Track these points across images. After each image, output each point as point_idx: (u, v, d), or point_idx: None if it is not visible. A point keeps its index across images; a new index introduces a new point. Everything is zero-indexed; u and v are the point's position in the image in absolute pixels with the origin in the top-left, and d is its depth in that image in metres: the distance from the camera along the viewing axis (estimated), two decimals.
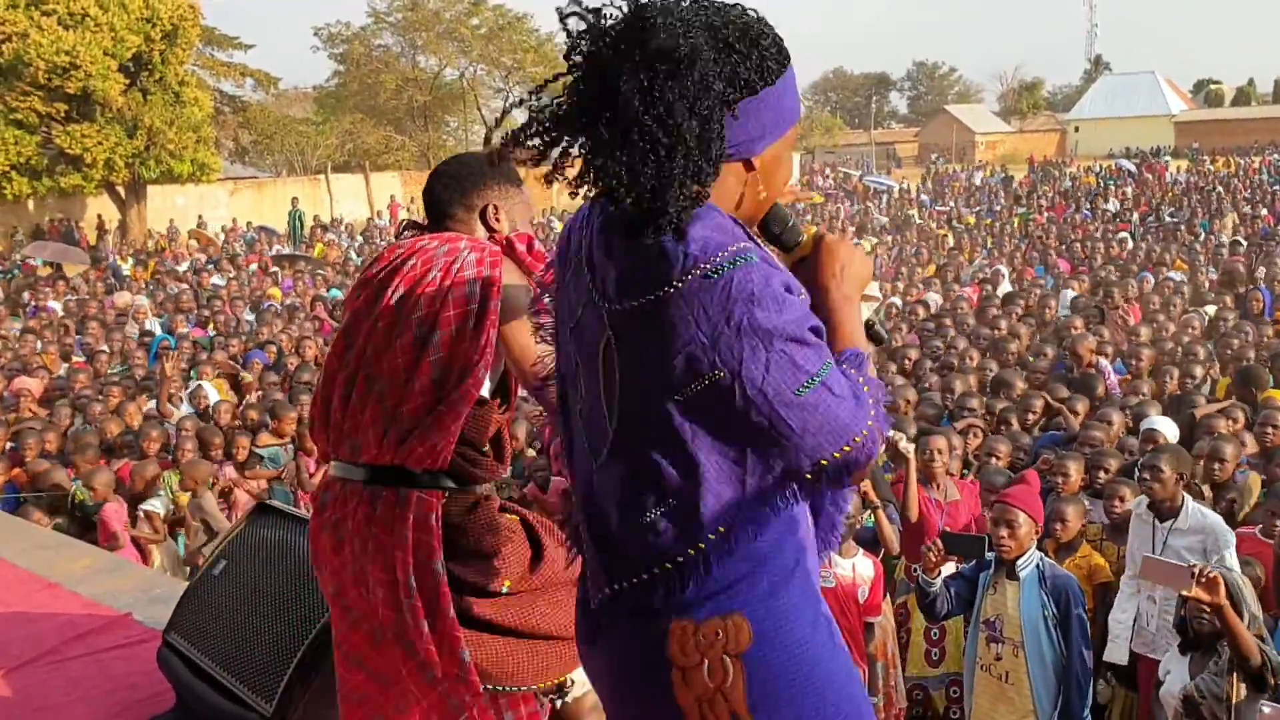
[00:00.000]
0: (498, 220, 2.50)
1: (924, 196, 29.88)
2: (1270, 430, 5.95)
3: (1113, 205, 24.68)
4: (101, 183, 25.22)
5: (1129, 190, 28.21)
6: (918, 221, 22.60)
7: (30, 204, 26.18)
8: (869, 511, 5.67)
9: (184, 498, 6.78)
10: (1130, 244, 16.80)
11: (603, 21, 1.48)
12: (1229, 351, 8.04)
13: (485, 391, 2.36)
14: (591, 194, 1.58)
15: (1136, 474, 5.70)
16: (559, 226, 26.45)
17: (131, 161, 24.71)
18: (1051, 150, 57.39)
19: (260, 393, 8.97)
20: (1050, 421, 6.92)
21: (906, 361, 8.59)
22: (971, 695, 4.62)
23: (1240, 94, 70.66)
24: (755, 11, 1.58)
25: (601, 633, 1.66)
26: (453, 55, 44.53)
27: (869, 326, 1.83)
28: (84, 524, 6.51)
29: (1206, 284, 12.07)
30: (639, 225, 1.51)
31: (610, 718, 1.72)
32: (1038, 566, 4.49)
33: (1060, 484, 5.53)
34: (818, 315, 1.57)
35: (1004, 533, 4.49)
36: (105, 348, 11.11)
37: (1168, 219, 21.06)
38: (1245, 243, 16.20)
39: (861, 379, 1.54)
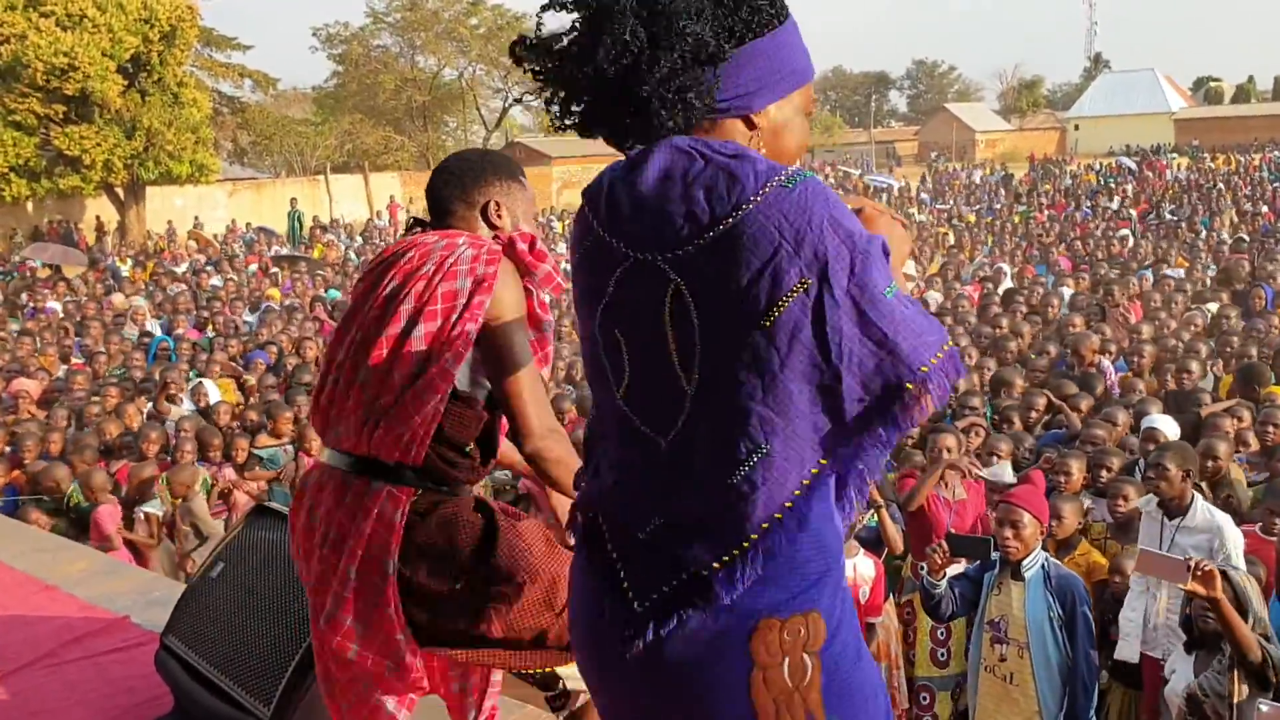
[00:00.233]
0: (499, 217, 2.48)
1: (924, 195, 29.85)
2: (1271, 429, 5.92)
3: (1115, 203, 24.67)
4: (100, 184, 25.23)
5: (1129, 188, 28.21)
6: (919, 220, 22.57)
7: (29, 205, 26.19)
8: (872, 511, 5.64)
9: (178, 502, 6.75)
10: (1131, 241, 16.78)
11: None
12: (1229, 349, 8.01)
13: (469, 390, 2.34)
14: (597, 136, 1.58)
15: (1139, 472, 5.73)
16: (559, 227, 26.47)
17: (130, 163, 24.72)
18: (1052, 148, 57.39)
19: (258, 394, 8.96)
20: (1053, 420, 6.89)
21: None
22: (975, 696, 4.60)
23: (1240, 91, 70.64)
24: None
25: (653, 642, 1.52)
26: (451, 55, 44.58)
27: None
28: (81, 526, 6.50)
29: (1206, 281, 12.04)
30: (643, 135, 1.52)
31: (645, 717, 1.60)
32: (1043, 567, 4.47)
33: (1062, 482, 5.51)
34: None
35: (1009, 533, 4.46)
36: (104, 349, 11.09)
37: (1168, 216, 21.04)
38: (1247, 239, 16.18)
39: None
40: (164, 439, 7.46)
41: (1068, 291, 11.74)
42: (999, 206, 25.57)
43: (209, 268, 19.16)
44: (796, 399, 1.44)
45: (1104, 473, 5.59)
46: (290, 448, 7.59)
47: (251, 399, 8.92)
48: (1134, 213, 22.68)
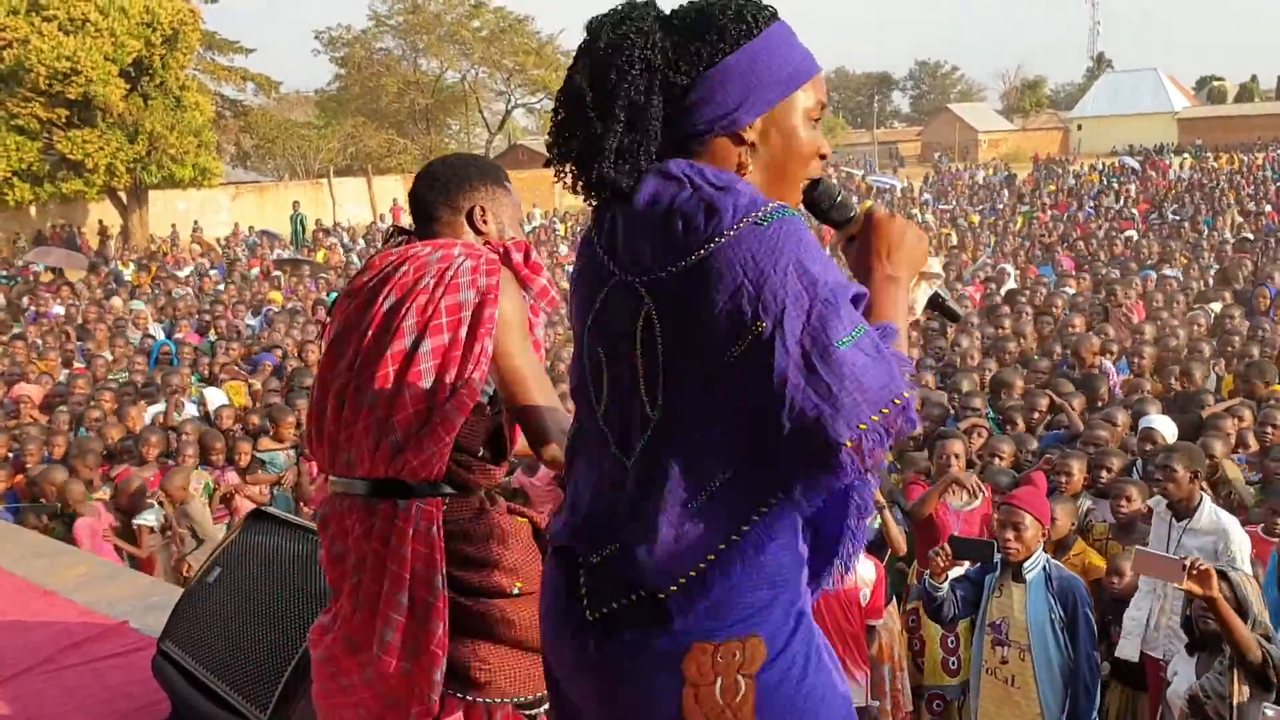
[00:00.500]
0: (485, 222, 2.46)
1: (926, 195, 29.82)
2: (1270, 429, 5.91)
3: (1118, 203, 24.63)
4: (103, 188, 25.24)
5: (1132, 188, 28.16)
6: (921, 220, 22.54)
7: (32, 210, 26.22)
8: (875, 513, 5.62)
9: (175, 506, 6.74)
10: (1136, 239, 16.74)
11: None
12: (1231, 349, 7.99)
13: (482, 398, 2.32)
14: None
15: (1138, 473, 5.71)
16: (562, 229, 26.48)
17: (133, 167, 24.73)
18: (1055, 148, 57.31)
19: (261, 398, 8.95)
20: (1054, 420, 6.88)
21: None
22: (977, 699, 4.58)
23: (1243, 90, 70.49)
24: None
25: (598, 651, 1.59)
26: (454, 58, 44.63)
27: (937, 303, 1.79)
28: None
29: (1209, 281, 12.02)
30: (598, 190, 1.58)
31: None
32: (1044, 569, 4.45)
33: (1063, 483, 5.49)
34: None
35: (1010, 535, 4.45)
36: (108, 353, 11.10)
37: (1171, 216, 21.00)
38: (1252, 238, 16.14)
39: (893, 349, 1.48)
40: (165, 443, 7.44)
41: (1069, 291, 11.72)
42: (1001, 207, 25.53)
43: (213, 271, 19.18)
44: (750, 436, 1.46)
45: (1104, 473, 5.57)
46: (292, 452, 7.58)
47: (255, 403, 8.91)
48: (1137, 212, 22.65)
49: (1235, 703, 3.76)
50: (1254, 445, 6.05)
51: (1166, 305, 10.21)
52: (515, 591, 2.29)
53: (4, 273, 20.88)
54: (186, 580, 5.45)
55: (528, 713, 2.35)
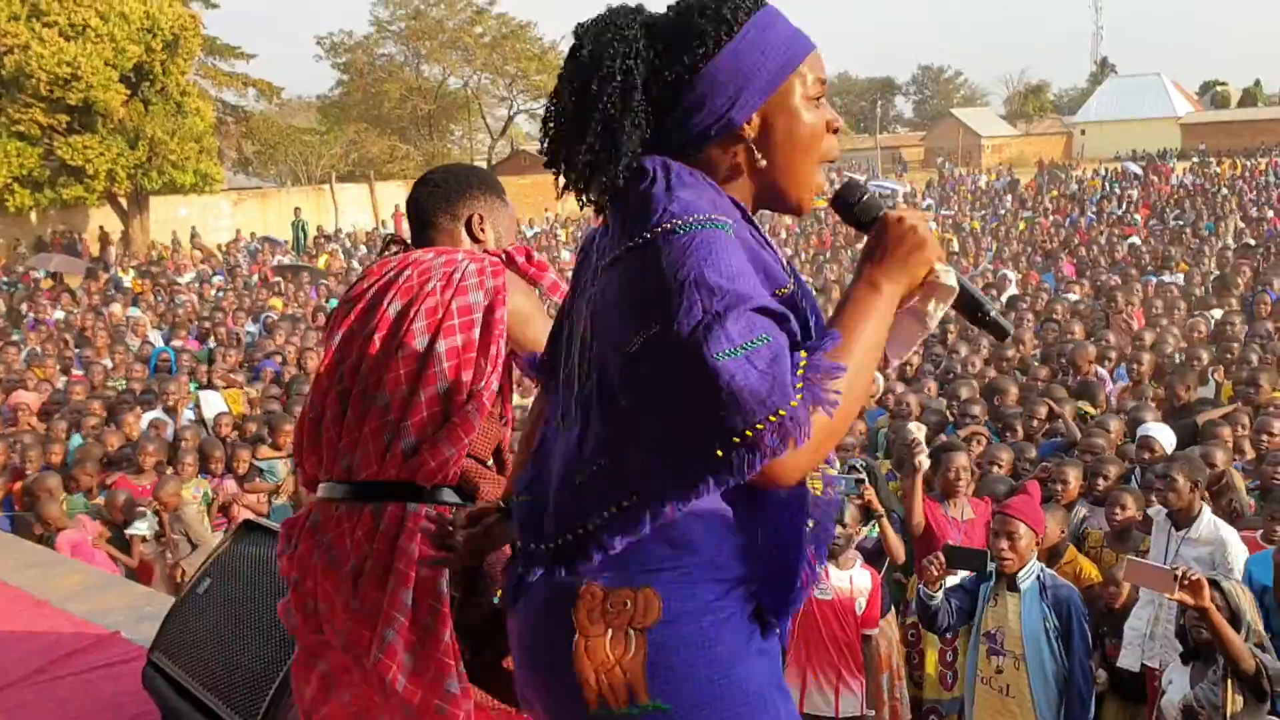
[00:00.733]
0: (483, 231, 2.47)
1: (929, 200, 29.78)
2: (1266, 436, 5.89)
3: (1119, 208, 24.59)
4: (104, 194, 25.27)
5: (1134, 193, 28.12)
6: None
7: (33, 216, 26.22)
8: (873, 521, 5.60)
9: (168, 514, 6.72)
10: (1138, 245, 16.71)
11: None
12: (1230, 355, 7.97)
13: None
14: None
15: (1136, 481, 5.70)
16: (563, 234, 26.49)
17: (134, 173, 24.76)
18: (1058, 153, 57.25)
19: (260, 405, 8.94)
20: (1053, 428, 6.86)
21: (909, 368, 8.53)
22: (972, 709, 4.57)
23: (1247, 95, 70.42)
24: None
25: (521, 593, 1.65)
26: (456, 64, 44.68)
27: (980, 318, 1.67)
28: None
29: (1209, 287, 11.99)
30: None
31: (519, 685, 1.69)
32: (1038, 578, 4.45)
33: (1059, 491, 5.48)
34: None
35: (1004, 544, 4.45)
36: (107, 361, 11.11)
37: (1172, 222, 20.97)
38: (1253, 243, 16.11)
39: (806, 364, 1.42)
40: (163, 451, 7.43)
41: (1071, 297, 11.69)
42: (1004, 212, 25.50)
43: (216, 278, 19.20)
44: (636, 426, 1.48)
45: (1101, 481, 5.56)
46: (290, 460, 7.57)
47: (254, 410, 8.91)
48: (1139, 218, 22.62)
49: (1229, 713, 3.75)
50: (1250, 453, 6.03)
51: (1166, 312, 10.19)
52: (495, 599, 2.28)
53: (4, 279, 20.89)
54: (182, 587, 5.43)
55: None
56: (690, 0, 1.60)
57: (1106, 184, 31.67)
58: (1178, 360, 7.95)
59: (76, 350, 12.13)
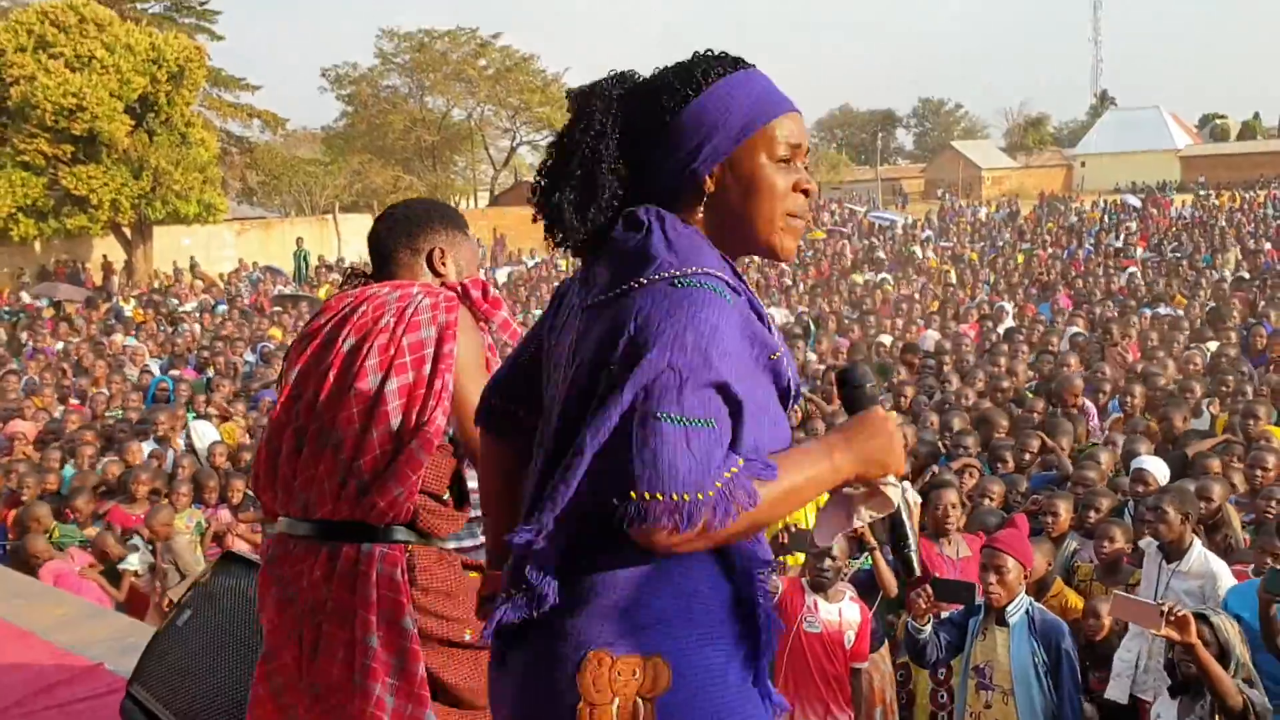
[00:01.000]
0: (444, 265, 2.48)
1: (927, 231, 29.85)
2: (1260, 471, 5.88)
3: (1119, 240, 24.63)
4: (107, 224, 25.36)
5: (1133, 225, 28.18)
6: (921, 257, 22.56)
7: (37, 245, 26.33)
8: (865, 554, 5.58)
9: (159, 543, 6.69)
10: (1138, 278, 16.72)
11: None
12: (1225, 388, 7.97)
13: (444, 438, 2.32)
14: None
15: (1129, 514, 5.68)
16: (564, 264, 26.51)
17: (137, 202, 24.86)
18: (1058, 185, 57.43)
19: (254, 435, 8.94)
20: (1045, 460, 6.85)
21: (903, 400, 8.53)
22: None
23: (1246, 128, 70.71)
24: (699, 54, 1.70)
25: (512, 650, 1.61)
26: (460, 96, 44.94)
27: (899, 546, 1.73)
28: None
29: (1204, 320, 12.00)
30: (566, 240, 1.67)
31: None
32: (1027, 612, 4.43)
33: (1050, 523, 5.46)
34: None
35: (993, 578, 4.43)
36: (105, 390, 11.12)
37: (1170, 254, 20.99)
38: (1247, 277, 16.12)
39: (737, 470, 1.46)
40: (156, 481, 7.42)
41: (1074, 330, 11.70)
42: (1002, 244, 25.55)
43: (220, 308, 19.24)
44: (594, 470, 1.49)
45: (1092, 514, 5.54)
46: None
47: (250, 440, 8.90)
48: (1140, 248, 22.65)
49: None
50: (1243, 486, 6.01)
51: (1162, 345, 10.20)
52: (466, 637, 2.27)
53: (6, 308, 20.95)
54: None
55: None
56: (676, 63, 1.69)
57: (1105, 216, 31.74)
58: (1172, 392, 7.95)
59: (75, 379, 12.14)
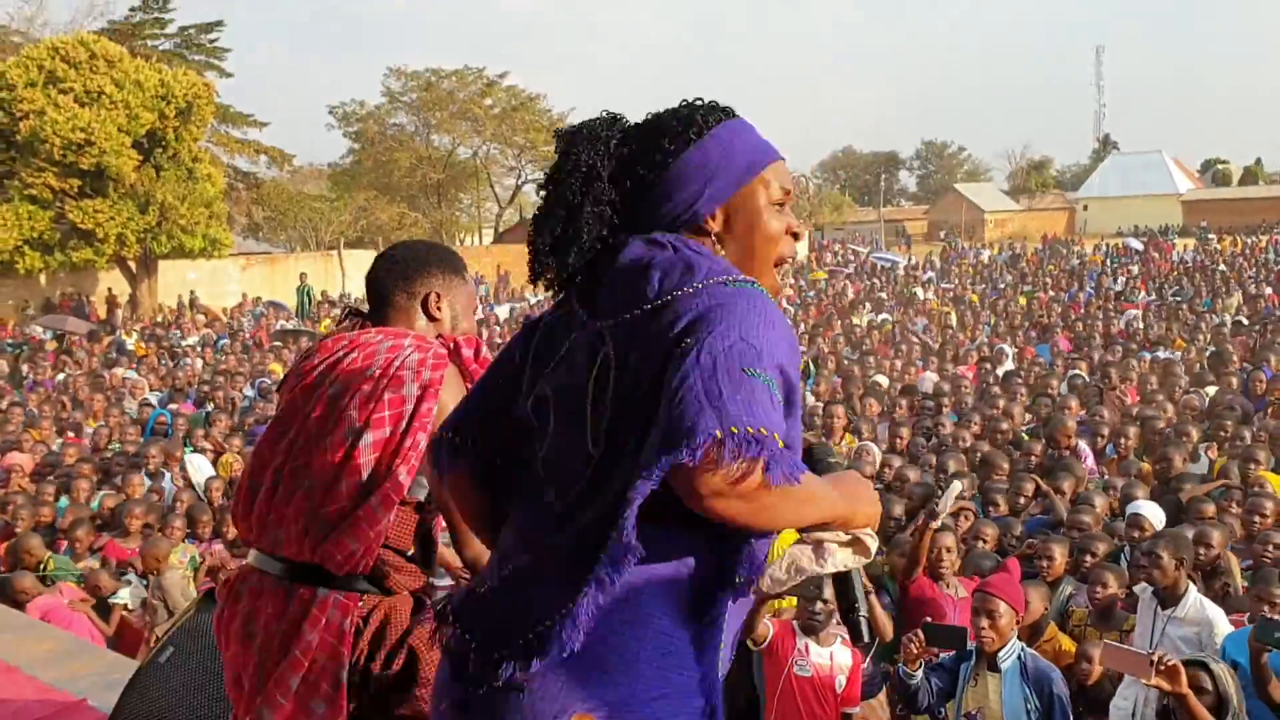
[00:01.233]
0: (439, 310, 2.48)
1: (929, 273, 29.92)
2: (1258, 518, 5.86)
3: (1119, 284, 24.67)
4: (113, 257, 25.48)
5: (1134, 268, 28.23)
6: (923, 298, 22.59)
7: (42, 278, 26.44)
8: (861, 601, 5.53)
9: (152, 576, 6.67)
10: (1139, 323, 16.73)
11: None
12: (1224, 433, 7.95)
13: (411, 494, 2.31)
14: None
15: (1126, 559, 5.65)
16: None
17: (143, 237, 24.98)
18: (1061, 228, 57.65)
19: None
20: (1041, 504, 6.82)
21: (899, 440, 8.52)
22: None
23: (1247, 173, 71.05)
24: (684, 103, 1.75)
25: (482, 700, 1.59)
26: (466, 134, 45.27)
27: (846, 609, 1.78)
28: None
29: (1205, 363, 11.98)
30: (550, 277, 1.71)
31: None
32: (1019, 657, 4.40)
33: (1045, 568, 5.43)
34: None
35: (985, 623, 4.41)
36: (103, 423, 11.12)
37: (1170, 298, 21.01)
38: (1246, 322, 16.12)
39: (784, 443, 1.48)
40: (149, 515, 7.41)
41: (1073, 373, 11.68)
42: (1003, 286, 25.59)
43: (223, 342, 19.28)
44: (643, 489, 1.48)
45: (1088, 558, 5.52)
46: None
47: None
48: (1142, 291, 22.67)
49: None
50: (1240, 531, 5.98)
51: (1163, 388, 10.18)
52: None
53: (10, 340, 21.01)
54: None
55: None
56: (668, 109, 1.74)
57: (1107, 260, 31.82)
58: (1169, 436, 7.93)
59: (72, 413, 12.16)
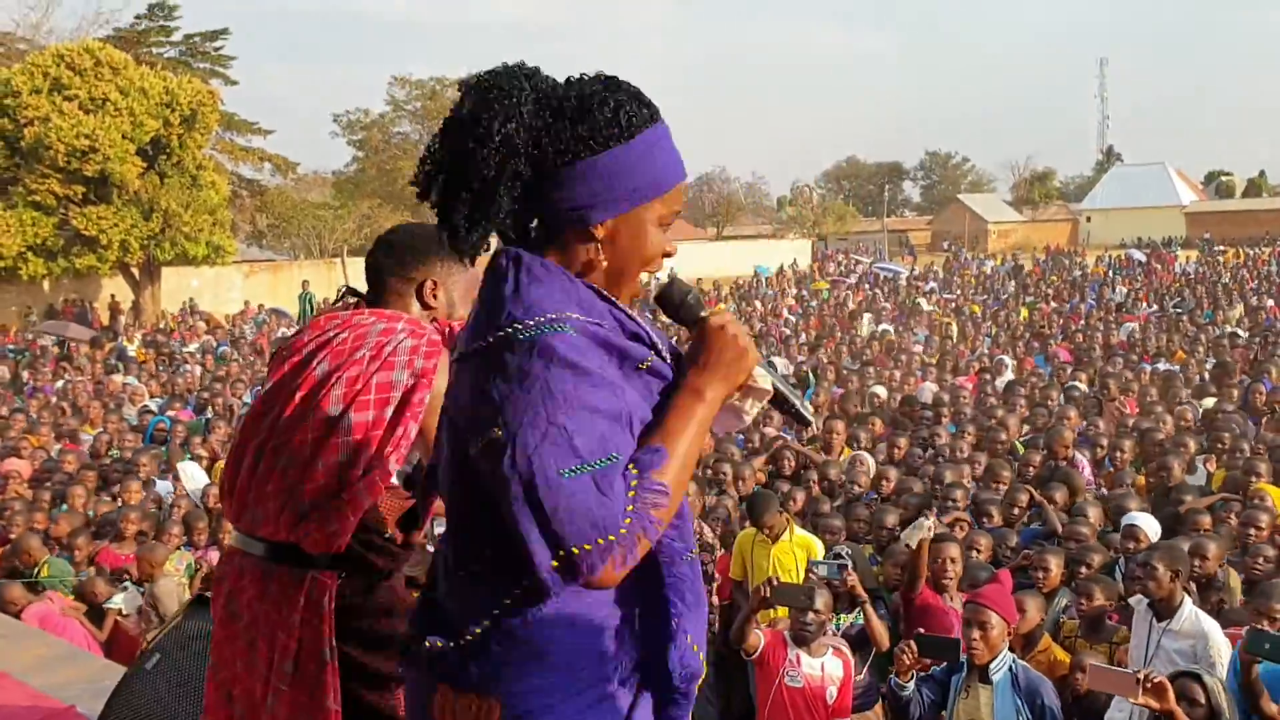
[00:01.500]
0: (434, 297, 2.46)
1: (932, 283, 29.89)
2: (1253, 530, 5.84)
3: (1119, 294, 24.64)
4: (116, 264, 25.53)
5: (1137, 280, 28.19)
6: (925, 309, 22.56)
7: (45, 284, 26.51)
8: (857, 609, 5.53)
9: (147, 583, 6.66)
10: (1139, 334, 16.70)
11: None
12: (1221, 445, 7.93)
13: (396, 480, 2.32)
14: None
15: (1120, 571, 5.63)
16: None
17: (147, 243, 25.04)
18: (1064, 239, 57.64)
19: None
20: (1037, 515, 6.80)
21: (896, 450, 8.50)
22: None
23: (1251, 185, 71.00)
24: (614, 83, 1.63)
25: (408, 674, 1.76)
26: None
27: (785, 406, 1.76)
28: None
29: (1205, 375, 11.96)
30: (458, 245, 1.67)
31: None
32: (1010, 669, 4.39)
33: (1040, 578, 5.42)
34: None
35: (976, 634, 4.39)
36: (101, 429, 11.12)
37: (1172, 310, 20.98)
38: (1246, 334, 16.08)
39: (638, 481, 1.50)
40: (144, 522, 7.41)
41: (1072, 385, 11.66)
42: (1005, 297, 25.56)
43: (223, 348, 19.29)
44: (484, 531, 1.57)
45: (1084, 569, 5.50)
46: None
47: None
48: (1143, 304, 22.63)
49: None
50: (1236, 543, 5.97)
51: (1163, 399, 10.16)
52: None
53: (12, 346, 21.04)
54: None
55: None
56: (594, 88, 1.62)
57: (1108, 271, 31.79)
58: (1166, 448, 7.91)
59: (71, 419, 12.16)
